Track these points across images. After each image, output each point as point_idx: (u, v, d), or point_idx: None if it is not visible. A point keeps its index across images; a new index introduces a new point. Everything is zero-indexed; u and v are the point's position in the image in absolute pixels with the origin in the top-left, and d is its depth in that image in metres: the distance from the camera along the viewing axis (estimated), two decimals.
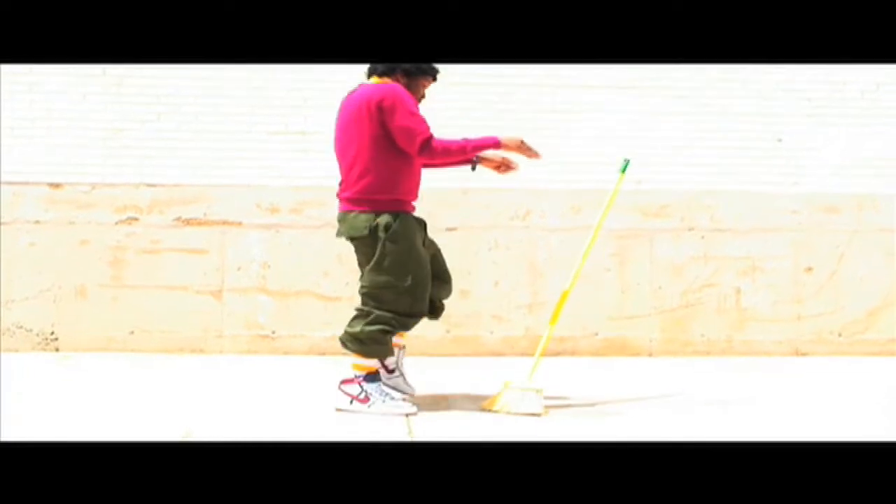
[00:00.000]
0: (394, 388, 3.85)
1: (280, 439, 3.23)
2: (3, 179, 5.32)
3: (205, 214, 5.41)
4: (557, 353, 5.40)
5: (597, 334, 5.55)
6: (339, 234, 3.88)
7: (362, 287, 3.81)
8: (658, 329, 5.57)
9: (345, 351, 3.86)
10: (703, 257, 5.61)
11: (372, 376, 3.79)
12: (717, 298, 5.61)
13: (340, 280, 5.39)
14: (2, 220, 5.32)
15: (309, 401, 4.02)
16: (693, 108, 5.61)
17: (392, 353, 3.86)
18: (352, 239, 3.81)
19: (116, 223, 5.38)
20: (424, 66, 3.84)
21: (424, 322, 3.92)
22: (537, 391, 3.82)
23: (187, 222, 5.40)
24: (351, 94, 3.83)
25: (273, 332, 5.42)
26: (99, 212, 5.37)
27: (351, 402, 3.77)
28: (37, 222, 5.35)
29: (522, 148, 3.84)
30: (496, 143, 3.81)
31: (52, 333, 5.33)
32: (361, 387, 3.76)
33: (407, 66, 3.80)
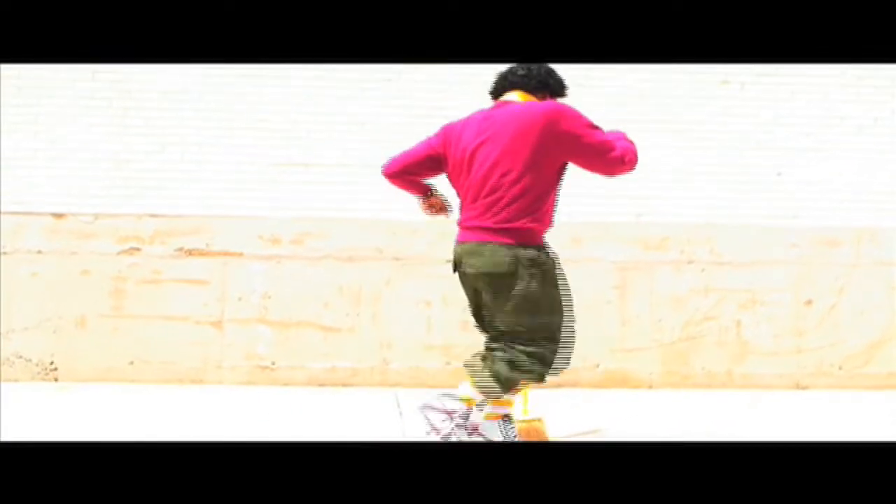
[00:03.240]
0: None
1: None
2: (5, 209, 5.35)
3: (206, 245, 5.43)
4: (559, 385, 5.37)
5: (598, 366, 5.54)
6: (469, 267, 3.36)
7: (518, 331, 3.39)
8: (658, 361, 5.56)
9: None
10: (704, 290, 5.62)
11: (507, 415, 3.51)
12: (718, 331, 5.61)
13: (341, 311, 5.39)
14: (4, 250, 5.34)
15: (307, 432, 4.00)
16: (693, 141, 5.65)
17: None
18: (488, 275, 3.31)
19: (118, 253, 5.39)
20: (566, 84, 3.49)
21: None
22: (539, 421, 3.82)
23: (189, 253, 5.42)
24: (495, 110, 3.39)
25: (273, 363, 5.41)
26: (101, 242, 5.39)
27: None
28: (39, 252, 5.36)
29: None
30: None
31: (52, 363, 5.32)
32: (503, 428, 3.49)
33: (553, 83, 3.44)
